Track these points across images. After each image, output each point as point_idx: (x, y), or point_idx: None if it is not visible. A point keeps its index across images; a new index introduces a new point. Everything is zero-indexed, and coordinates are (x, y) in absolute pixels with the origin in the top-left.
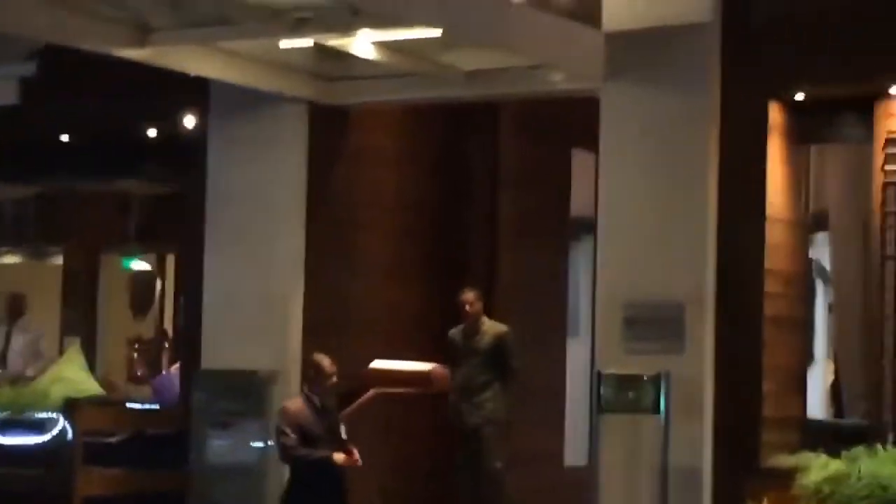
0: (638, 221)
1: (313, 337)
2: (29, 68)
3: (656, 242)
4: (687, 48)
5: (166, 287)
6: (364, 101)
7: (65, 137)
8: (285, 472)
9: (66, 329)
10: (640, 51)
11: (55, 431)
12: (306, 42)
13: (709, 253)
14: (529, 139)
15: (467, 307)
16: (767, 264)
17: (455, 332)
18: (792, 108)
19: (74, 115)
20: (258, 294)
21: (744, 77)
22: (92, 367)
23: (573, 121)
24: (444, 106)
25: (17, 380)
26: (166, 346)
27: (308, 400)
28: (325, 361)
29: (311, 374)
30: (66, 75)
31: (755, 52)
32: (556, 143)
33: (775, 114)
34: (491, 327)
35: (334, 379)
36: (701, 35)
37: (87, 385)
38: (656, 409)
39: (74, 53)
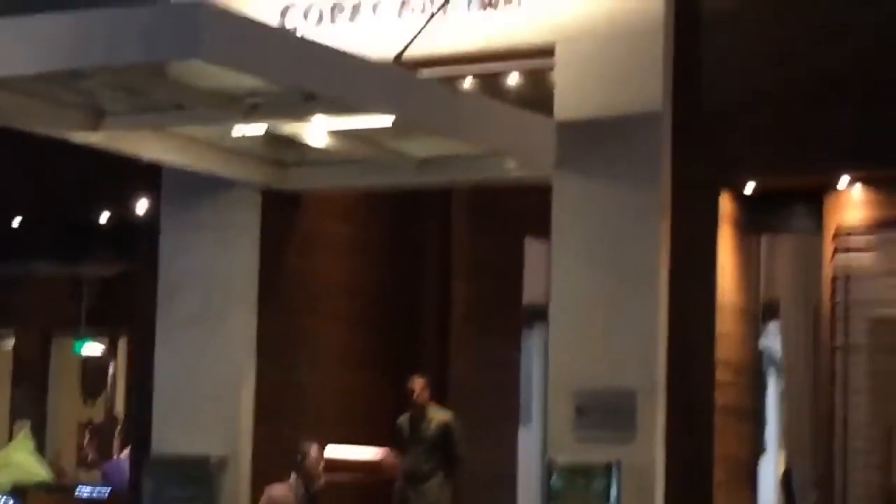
0: (589, 310)
1: (265, 423)
2: None
3: (608, 331)
4: (637, 137)
5: (118, 371)
6: (317, 187)
7: (17, 220)
8: None
9: (16, 413)
10: (591, 139)
11: None
12: (259, 128)
13: (660, 341)
14: (482, 226)
15: (414, 395)
16: (718, 353)
17: (403, 419)
18: (743, 198)
19: (27, 198)
20: (210, 379)
21: (695, 167)
22: (42, 451)
23: (526, 208)
24: (395, 193)
25: None
26: (117, 430)
27: (294, 487)
28: (312, 449)
29: (297, 460)
30: (19, 159)
31: (706, 143)
32: (509, 230)
33: (726, 203)
34: (437, 415)
35: (321, 467)
36: (651, 124)
37: (36, 470)
38: (607, 498)
39: (27, 136)
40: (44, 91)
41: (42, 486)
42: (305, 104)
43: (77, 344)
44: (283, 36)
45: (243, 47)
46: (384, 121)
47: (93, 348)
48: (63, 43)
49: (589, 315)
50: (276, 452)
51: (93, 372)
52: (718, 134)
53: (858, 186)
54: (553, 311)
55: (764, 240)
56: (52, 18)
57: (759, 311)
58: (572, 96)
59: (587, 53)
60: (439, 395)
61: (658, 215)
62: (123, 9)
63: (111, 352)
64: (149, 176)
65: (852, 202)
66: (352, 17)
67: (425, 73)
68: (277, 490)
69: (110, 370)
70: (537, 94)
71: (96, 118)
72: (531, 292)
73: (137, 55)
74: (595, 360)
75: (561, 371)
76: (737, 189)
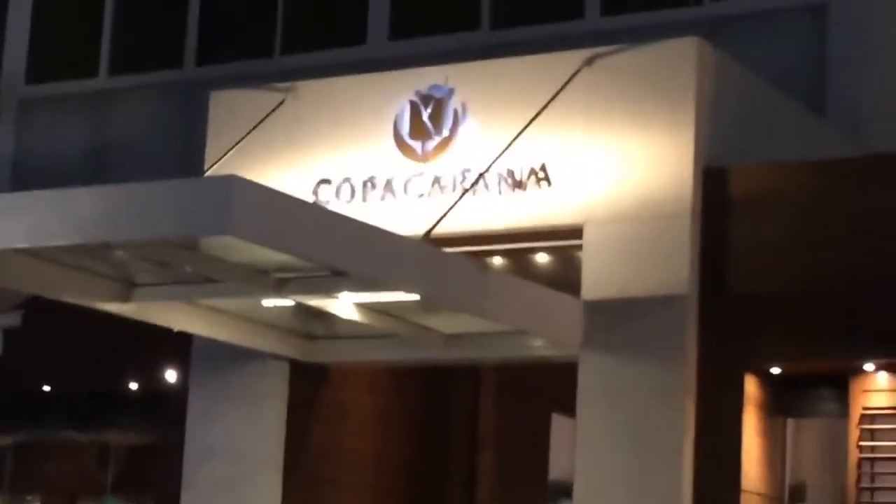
0: (614, 488)
1: None
2: (13, 319)
3: None
4: (664, 319)
5: None
6: (344, 360)
7: (46, 388)
8: None
9: None
10: (617, 319)
11: None
12: (288, 302)
13: None
14: (509, 402)
15: None
16: None
17: None
18: (768, 381)
19: (57, 366)
20: None
21: (720, 350)
22: None
23: (553, 385)
24: (422, 368)
25: None
26: None
27: None
28: None
29: None
30: (50, 327)
31: (732, 326)
32: (536, 406)
33: (752, 387)
34: None
35: None
36: (678, 307)
37: None
38: None
39: (59, 305)
40: (76, 262)
41: None
42: (334, 279)
43: None
44: (314, 212)
45: (274, 224)
46: (411, 297)
47: None
48: (96, 216)
49: (613, 494)
50: None
51: None
52: (744, 318)
53: (884, 372)
54: (577, 489)
55: (790, 423)
56: (86, 192)
57: (785, 495)
58: (599, 276)
59: (615, 235)
60: None
61: (683, 396)
62: (155, 183)
63: None
64: (178, 345)
65: (878, 386)
66: (383, 194)
67: (454, 250)
68: None
69: None
70: (565, 274)
71: (127, 289)
72: (557, 468)
73: (169, 230)
74: None
75: None
76: (762, 372)
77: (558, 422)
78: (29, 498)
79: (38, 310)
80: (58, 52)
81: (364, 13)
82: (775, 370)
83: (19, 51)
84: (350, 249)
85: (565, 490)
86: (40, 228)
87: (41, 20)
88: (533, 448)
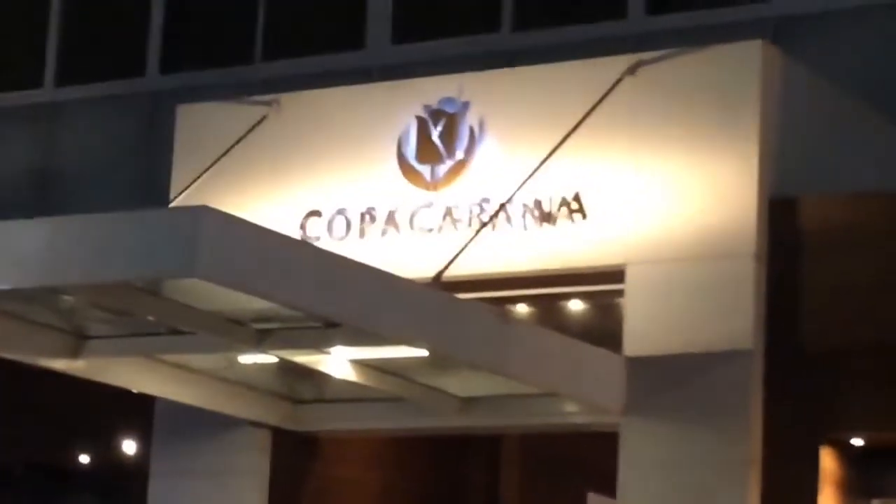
0: None
1: None
2: None
3: None
4: (723, 379)
5: None
6: (338, 429)
7: None
8: None
9: None
10: (666, 380)
11: None
12: (270, 358)
13: None
14: (536, 478)
15: None
16: None
17: None
18: (849, 454)
19: None
20: None
21: (791, 417)
22: None
23: (589, 458)
24: (432, 438)
25: None
26: None
27: None
28: None
29: None
30: None
31: (805, 389)
32: (568, 483)
33: (829, 461)
34: None
35: None
36: (740, 364)
37: None
38: None
39: None
40: (15, 309)
41: None
42: (325, 332)
43: None
44: (300, 250)
45: (252, 265)
46: (419, 353)
47: None
48: (39, 254)
49: None
50: None
51: None
52: (820, 379)
53: None
54: None
55: None
56: (27, 225)
57: None
58: (645, 328)
59: (663, 278)
60: None
61: (746, 473)
62: (111, 215)
63: None
64: (138, 411)
65: None
66: (385, 228)
67: (470, 297)
68: None
69: None
70: (603, 325)
71: (77, 343)
72: None
73: (126, 272)
74: None
75: None
76: (842, 444)
77: (595, 501)
78: None
79: None
80: None
81: (362, 12)
82: (857, 441)
83: None
84: (344, 296)
85: None
86: None
87: None
88: None
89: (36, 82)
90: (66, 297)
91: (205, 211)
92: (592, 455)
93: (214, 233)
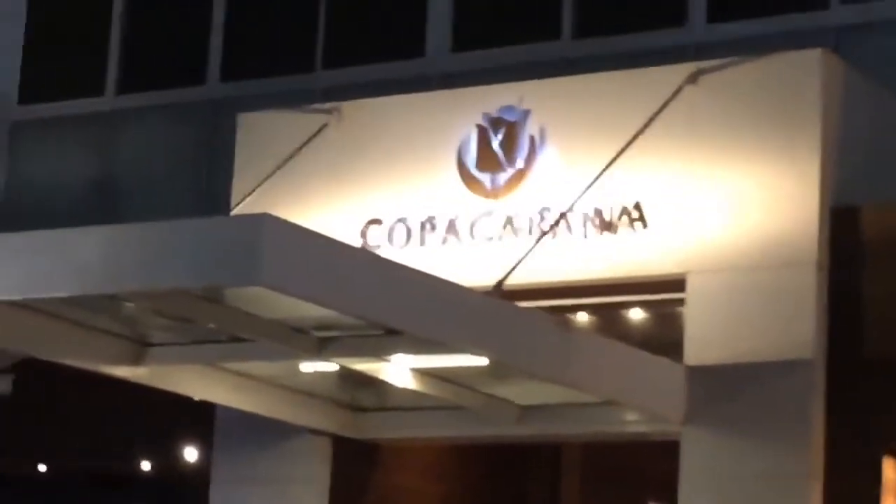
0: None
1: None
2: (3, 385)
3: None
4: (784, 388)
5: None
6: (398, 437)
7: (42, 468)
8: None
9: None
10: (727, 389)
11: None
12: (331, 366)
13: None
14: (597, 487)
15: None
16: None
17: None
18: None
19: (55, 442)
20: None
21: (853, 425)
22: None
23: (649, 467)
24: (492, 446)
25: None
26: None
27: None
28: None
29: None
30: (46, 395)
31: (867, 397)
32: (629, 492)
33: (892, 471)
34: None
35: None
36: (801, 374)
37: None
38: None
39: (57, 369)
40: (78, 317)
41: None
42: (386, 340)
43: None
44: (361, 258)
45: (314, 273)
46: (479, 361)
47: None
48: (102, 262)
49: None
50: None
51: None
52: (883, 387)
53: None
54: None
55: None
56: (90, 232)
57: None
58: (705, 337)
59: (724, 287)
60: None
61: (807, 485)
62: (172, 222)
63: None
64: (199, 418)
65: None
66: (445, 236)
67: (530, 305)
68: None
69: None
70: (663, 334)
71: (139, 350)
72: None
73: (188, 280)
74: None
75: None
76: None
77: None
78: None
79: (33, 374)
80: (57, 66)
81: (422, 20)
82: None
83: (11, 66)
84: (405, 304)
85: None
86: (36, 277)
87: (37, 30)
88: None
89: (96, 90)
90: (127, 305)
91: (267, 219)
92: (653, 464)
93: (277, 241)
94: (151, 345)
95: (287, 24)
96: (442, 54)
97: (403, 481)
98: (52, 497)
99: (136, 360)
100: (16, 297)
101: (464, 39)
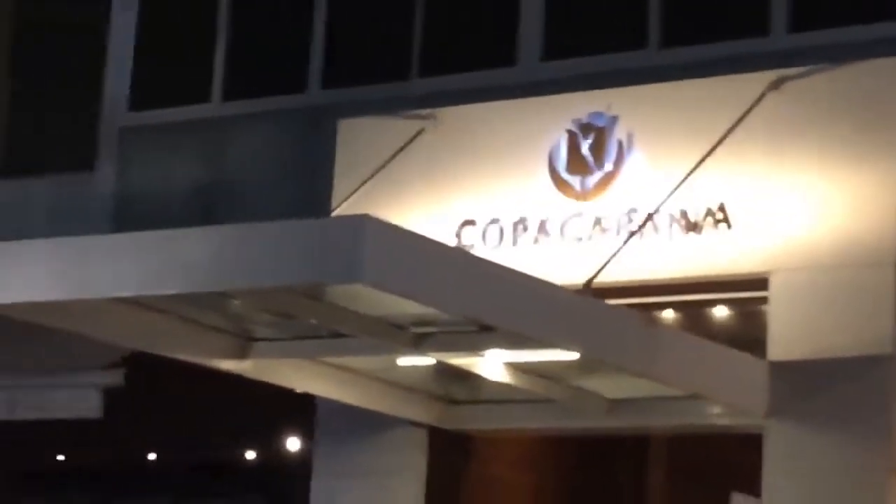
0: None
1: None
2: (114, 378)
3: None
4: (865, 384)
5: None
6: (491, 428)
7: (151, 456)
8: None
9: None
10: (809, 385)
11: None
12: (428, 360)
13: None
14: (682, 478)
15: None
16: None
17: None
18: None
19: (163, 432)
20: None
21: None
22: None
23: (733, 460)
24: (583, 437)
25: None
26: None
27: None
28: None
29: None
30: (155, 387)
31: None
32: (713, 483)
33: None
34: None
35: None
36: (882, 369)
37: None
38: None
39: (166, 362)
40: (186, 313)
41: None
42: (480, 335)
43: None
44: (457, 257)
45: (412, 271)
46: (570, 356)
47: None
48: (209, 261)
49: None
50: None
51: None
52: None
53: None
54: None
55: None
56: (197, 233)
57: None
58: (788, 334)
59: (806, 286)
60: None
61: (888, 478)
62: (276, 223)
63: None
64: (301, 410)
65: None
66: (537, 237)
67: (618, 302)
68: None
69: None
70: (747, 331)
71: (244, 345)
72: None
73: (292, 277)
74: None
75: None
76: None
77: (739, 502)
78: None
79: (142, 367)
80: (165, 74)
81: (514, 30)
82: None
83: (121, 74)
84: (499, 301)
85: None
86: (146, 275)
87: (146, 40)
88: None
89: (203, 97)
90: (234, 302)
91: (368, 219)
92: (737, 457)
93: (377, 240)
94: (256, 340)
95: (385, 34)
96: (532, 63)
97: (496, 471)
98: (161, 484)
99: (241, 354)
100: (128, 294)
101: (554, 48)
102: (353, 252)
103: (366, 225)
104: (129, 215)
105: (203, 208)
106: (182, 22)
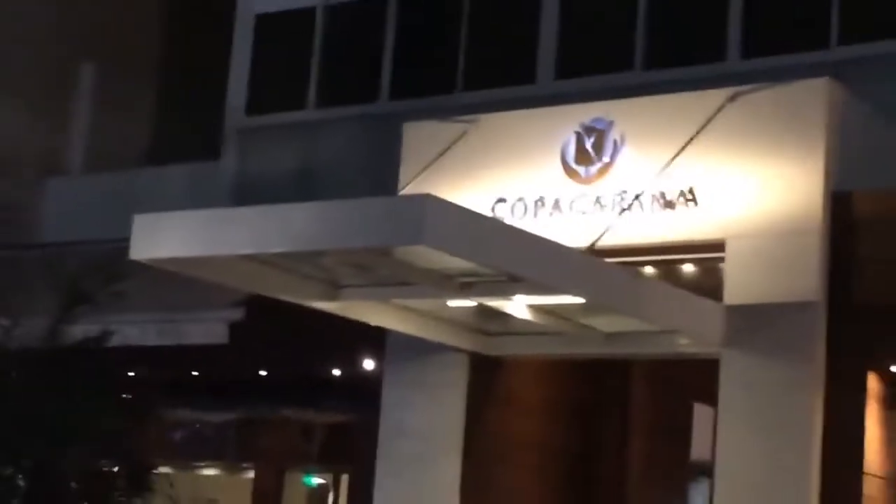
0: (750, 469)
1: None
2: (238, 314)
3: (765, 489)
4: (796, 323)
5: (339, 501)
6: (516, 354)
7: (263, 372)
8: None
9: None
10: (755, 323)
11: None
12: (470, 302)
13: (811, 502)
14: (657, 392)
15: None
16: None
17: None
18: (888, 378)
19: (273, 354)
20: None
21: (846, 349)
22: None
23: (696, 378)
24: (582, 361)
25: None
26: None
27: None
28: None
29: None
30: (268, 321)
31: (856, 330)
32: (680, 396)
33: (873, 383)
34: None
35: None
36: (808, 312)
37: None
38: None
39: (276, 303)
40: (291, 266)
41: None
42: (511, 284)
43: (306, 478)
44: (494, 226)
45: (461, 236)
46: (577, 300)
47: (320, 480)
48: (309, 228)
49: (750, 474)
50: None
51: (318, 501)
52: (867, 323)
53: None
54: (718, 469)
55: None
56: (300, 207)
57: None
58: (739, 285)
59: (753, 249)
60: None
61: (813, 391)
62: (360, 200)
63: (335, 485)
64: (375, 339)
65: None
66: (552, 211)
67: (613, 260)
68: None
69: (331, 500)
70: (708, 282)
71: (333, 290)
72: (698, 451)
73: (371, 240)
74: None
75: None
76: (883, 370)
77: (700, 410)
78: (245, 466)
79: (259, 306)
80: (273, 86)
81: (534, 55)
82: (894, 368)
83: (240, 86)
84: (525, 258)
85: (705, 470)
86: (261, 238)
87: (260, 58)
88: (677, 433)
89: (301, 105)
90: (326, 258)
91: (428, 197)
92: (699, 376)
93: (434, 213)
94: (342, 286)
95: (437, 58)
96: (548, 80)
97: (518, 386)
98: (270, 394)
99: (331, 297)
100: (248, 251)
101: (565, 69)
102: (416, 222)
103: (426, 201)
104: (246, 194)
105: (302, 189)
106: (285, 46)
